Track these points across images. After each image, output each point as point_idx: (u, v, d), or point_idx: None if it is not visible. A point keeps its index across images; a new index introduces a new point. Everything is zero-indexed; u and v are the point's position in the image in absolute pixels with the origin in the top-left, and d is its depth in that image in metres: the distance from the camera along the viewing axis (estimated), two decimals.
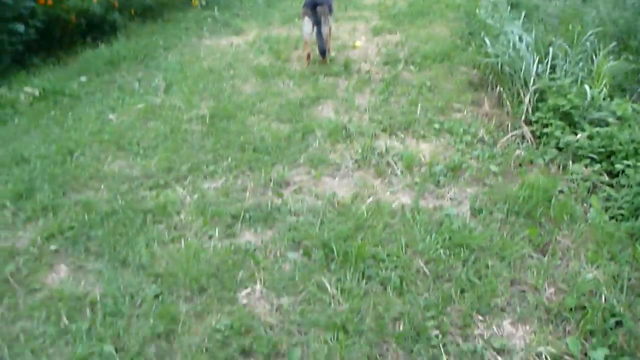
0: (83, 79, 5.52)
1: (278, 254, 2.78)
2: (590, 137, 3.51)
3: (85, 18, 6.80)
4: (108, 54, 6.20)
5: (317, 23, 4.97)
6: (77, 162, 3.74)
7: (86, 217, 3.09)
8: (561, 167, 3.47)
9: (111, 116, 4.48)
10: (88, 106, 4.76)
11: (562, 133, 3.62)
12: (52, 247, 2.90)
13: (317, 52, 5.33)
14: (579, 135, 3.51)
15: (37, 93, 4.99)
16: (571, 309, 2.57)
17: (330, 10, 5.25)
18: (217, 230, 2.95)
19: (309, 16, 4.98)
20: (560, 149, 3.57)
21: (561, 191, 3.20)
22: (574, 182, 3.29)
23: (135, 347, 2.30)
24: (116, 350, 2.29)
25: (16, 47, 5.96)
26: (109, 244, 2.88)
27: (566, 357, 2.41)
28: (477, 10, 5.98)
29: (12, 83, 5.56)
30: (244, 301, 2.51)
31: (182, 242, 2.87)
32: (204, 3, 8.70)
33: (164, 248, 2.84)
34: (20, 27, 5.73)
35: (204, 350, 2.43)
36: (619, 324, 2.49)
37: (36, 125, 4.52)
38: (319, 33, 5.02)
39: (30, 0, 6.03)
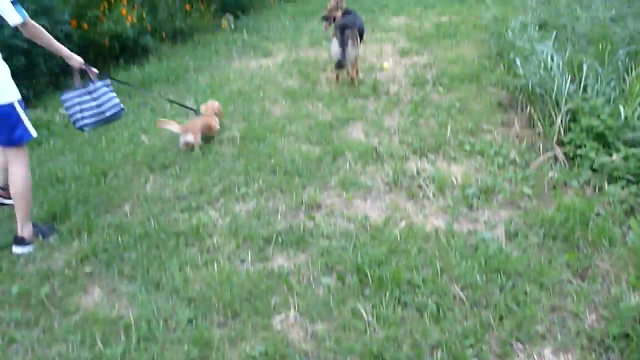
0: None
1: (311, 278, 2.76)
2: (625, 158, 3.43)
3: (118, 41, 6.99)
4: (140, 76, 6.34)
5: (343, 44, 4.97)
6: (110, 183, 3.80)
7: (120, 239, 3.13)
8: (597, 188, 3.38)
9: (143, 137, 4.55)
10: (121, 128, 4.84)
11: (596, 154, 3.54)
12: (87, 269, 2.94)
13: (345, 74, 5.37)
14: (614, 157, 3.43)
15: None
16: (614, 337, 2.48)
17: (361, 35, 5.26)
18: (249, 254, 2.95)
19: (337, 37, 5.00)
20: (594, 170, 3.49)
21: (598, 214, 3.11)
22: (610, 205, 3.20)
23: None
24: None
25: (52, 69, 6.12)
26: (142, 266, 2.90)
27: None
28: (506, 32, 5.93)
29: (48, 105, 5.71)
30: (279, 327, 2.49)
31: (215, 265, 2.87)
32: (233, 26, 8.85)
33: (197, 271, 2.84)
34: None
35: None
36: None
37: (71, 146, 4.63)
38: (343, 52, 5.01)
39: (66, 25, 6.21)
